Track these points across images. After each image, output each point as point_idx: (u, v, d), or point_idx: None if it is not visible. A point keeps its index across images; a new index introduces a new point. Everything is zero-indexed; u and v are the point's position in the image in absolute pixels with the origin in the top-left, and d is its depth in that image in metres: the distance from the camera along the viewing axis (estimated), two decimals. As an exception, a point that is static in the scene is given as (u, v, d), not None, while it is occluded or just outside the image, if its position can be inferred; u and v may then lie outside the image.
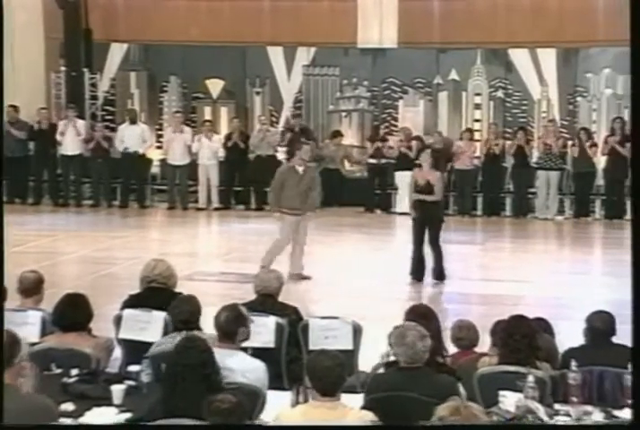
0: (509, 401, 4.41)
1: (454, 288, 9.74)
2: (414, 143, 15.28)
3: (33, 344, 5.12)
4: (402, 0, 16.11)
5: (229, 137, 15.88)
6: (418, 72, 16.24)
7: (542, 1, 15.84)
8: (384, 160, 15.68)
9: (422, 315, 5.11)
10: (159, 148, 16.50)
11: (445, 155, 14.40)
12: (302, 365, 5.02)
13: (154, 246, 12.53)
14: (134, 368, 5.08)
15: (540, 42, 15.58)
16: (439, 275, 9.92)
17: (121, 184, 15.95)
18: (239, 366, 4.62)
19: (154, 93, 17.00)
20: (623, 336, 5.42)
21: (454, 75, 16.23)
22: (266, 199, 15.83)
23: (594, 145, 14.91)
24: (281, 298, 6.30)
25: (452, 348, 5.69)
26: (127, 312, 5.97)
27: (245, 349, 4.95)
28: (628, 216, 14.79)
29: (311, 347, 5.80)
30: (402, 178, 15.31)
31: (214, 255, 12.10)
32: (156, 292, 6.07)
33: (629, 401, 4.49)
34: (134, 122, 15.99)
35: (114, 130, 16.20)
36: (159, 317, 5.79)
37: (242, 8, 16.56)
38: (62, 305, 5.47)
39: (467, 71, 16.17)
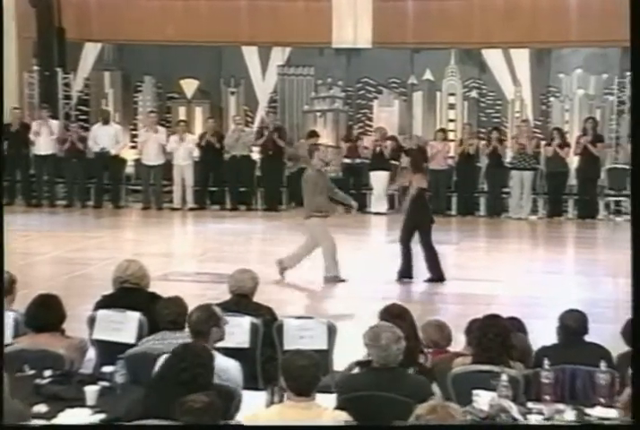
0: (483, 400, 4.44)
1: (429, 288, 9.77)
2: (389, 143, 15.33)
3: (5, 345, 5.09)
4: (377, 0, 16.15)
5: (203, 137, 15.86)
6: (392, 72, 16.29)
7: (516, 2, 15.93)
8: (358, 160, 15.71)
9: (396, 315, 5.13)
10: (133, 148, 16.45)
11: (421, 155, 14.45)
12: (277, 365, 5.02)
13: (129, 247, 12.48)
14: (107, 369, 5.06)
15: (513, 43, 15.67)
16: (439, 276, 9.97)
17: (95, 184, 15.88)
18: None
19: (128, 93, 16.94)
20: (595, 334, 5.48)
21: (428, 75, 16.29)
22: (241, 198, 15.94)
23: (567, 145, 15.01)
24: (255, 298, 6.30)
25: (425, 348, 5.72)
26: (101, 312, 5.95)
27: (219, 350, 4.94)
28: (601, 215, 14.94)
29: (286, 347, 5.81)
30: (377, 178, 15.38)
31: (189, 255, 12.07)
32: (129, 292, 6.06)
33: (601, 399, 4.54)
34: (107, 122, 15.93)
35: (88, 130, 16.13)
36: (133, 317, 5.78)
37: (217, 8, 16.54)
38: (34, 306, 5.44)
39: (441, 71, 16.24)
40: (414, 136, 15.56)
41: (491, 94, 16.14)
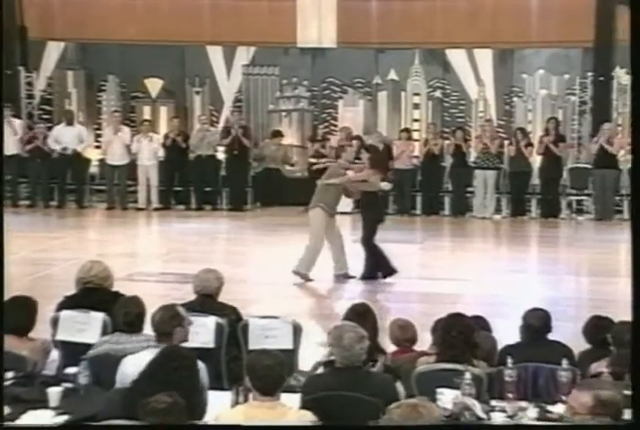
0: (446, 399, 4.47)
1: (394, 287, 9.81)
2: (354, 143, 15.35)
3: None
4: (341, 0, 16.19)
5: (168, 137, 15.80)
6: (357, 71, 16.33)
7: (478, 3, 16.05)
8: (324, 160, 15.72)
9: (360, 314, 5.16)
10: (97, 148, 16.34)
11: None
12: (242, 365, 5.02)
13: (93, 247, 12.41)
14: (71, 370, 5.03)
15: (476, 43, 15.79)
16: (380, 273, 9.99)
17: (59, 184, 15.76)
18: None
19: (92, 92, 16.83)
20: (558, 333, 5.54)
21: (392, 75, 16.36)
22: (206, 198, 15.90)
23: (530, 145, 15.13)
24: (220, 298, 6.29)
25: (391, 347, 5.74)
26: (65, 313, 5.91)
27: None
28: (563, 214, 15.08)
29: (251, 346, 5.81)
30: (342, 178, 15.41)
31: (154, 256, 12.02)
32: (92, 292, 6.02)
33: (563, 397, 4.58)
34: (70, 123, 15.82)
35: (51, 129, 16.00)
36: (97, 318, 5.75)
37: (180, 7, 16.49)
38: (11, 308, 5.38)
39: (406, 71, 16.31)
40: (378, 133, 15.62)
41: (455, 94, 16.25)
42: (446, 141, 15.50)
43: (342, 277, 9.92)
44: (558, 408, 4.53)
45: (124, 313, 5.24)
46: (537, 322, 5.40)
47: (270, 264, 10.91)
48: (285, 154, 16.27)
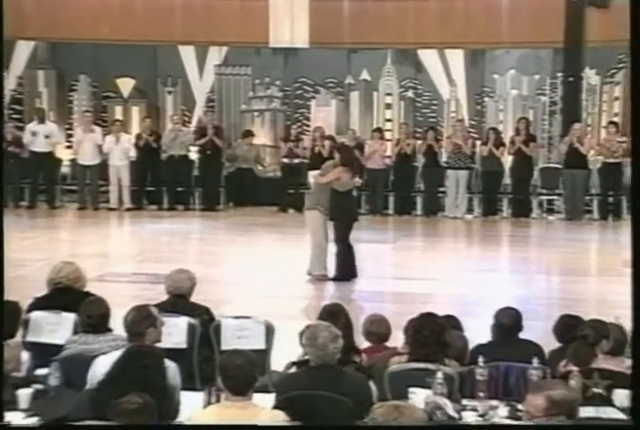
0: (418, 398, 4.49)
1: (367, 287, 9.83)
2: (327, 143, 15.37)
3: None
4: (313, 0, 16.20)
5: (140, 137, 15.74)
6: (329, 71, 16.36)
7: (450, 3, 16.12)
8: (297, 160, 15.74)
9: (333, 314, 5.18)
10: (69, 148, 16.25)
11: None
12: (214, 365, 5.02)
13: (65, 247, 12.34)
14: (41, 371, 5.00)
15: (447, 43, 15.87)
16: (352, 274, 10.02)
17: (30, 184, 15.65)
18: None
19: (63, 92, 16.74)
20: (529, 331, 5.59)
21: (365, 75, 16.40)
22: (179, 198, 15.86)
23: (502, 145, 15.21)
24: (193, 299, 6.28)
25: (364, 343, 5.76)
26: (36, 314, 5.87)
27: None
28: (534, 214, 15.19)
29: (223, 347, 5.80)
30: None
31: (126, 256, 11.97)
32: (62, 293, 6.00)
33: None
34: (42, 121, 15.72)
35: (22, 129, 15.89)
36: (68, 318, 5.72)
37: (153, 6, 16.43)
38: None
39: (378, 71, 16.36)
40: (350, 133, 15.65)
41: (427, 94, 16.31)
42: (418, 141, 15.56)
43: (319, 278, 9.93)
44: (529, 407, 4.57)
45: (87, 316, 5.24)
46: (508, 321, 5.44)
47: (243, 264, 10.90)
48: (257, 154, 16.27)
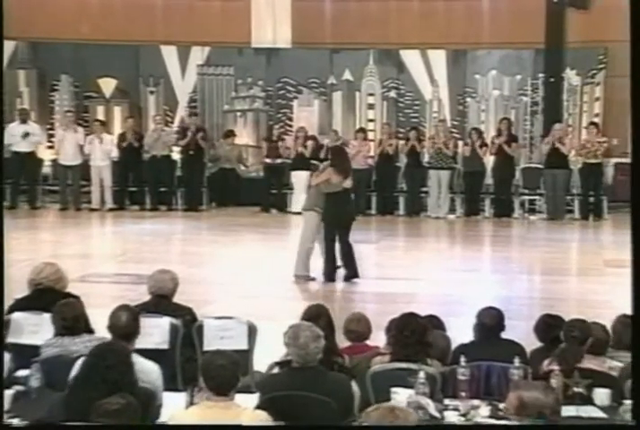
0: (400, 398, 4.50)
1: (350, 287, 9.84)
2: (309, 143, 15.39)
3: None
4: (295, 0, 16.21)
5: (122, 137, 15.70)
6: (312, 72, 16.37)
7: (432, 4, 16.16)
8: (279, 160, 15.74)
9: (315, 315, 5.18)
10: (50, 148, 16.19)
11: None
12: (196, 365, 5.01)
13: (46, 248, 12.29)
14: (22, 373, 4.98)
15: (429, 44, 15.92)
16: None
17: (11, 184, 15.57)
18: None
19: (44, 92, 16.67)
20: (511, 331, 5.61)
21: (347, 75, 16.42)
22: (161, 199, 15.83)
23: (484, 145, 15.26)
24: (176, 299, 6.27)
25: (344, 341, 5.76)
26: (17, 315, 5.84)
27: (138, 351, 4.92)
28: (516, 214, 15.25)
29: (206, 347, 5.79)
30: (298, 178, 15.41)
31: (108, 256, 11.94)
32: (43, 293, 5.97)
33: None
34: (24, 121, 15.66)
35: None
36: (49, 320, 5.69)
37: (134, 6, 16.39)
38: None
39: (360, 71, 16.38)
40: (333, 133, 15.66)
41: (409, 94, 16.35)
42: (401, 142, 15.59)
43: (301, 278, 9.94)
44: (510, 406, 4.59)
45: (61, 318, 5.23)
46: (490, 321, 5.45)
47: (225, 265, 10.89)
48: (239, 154, 16.27)
